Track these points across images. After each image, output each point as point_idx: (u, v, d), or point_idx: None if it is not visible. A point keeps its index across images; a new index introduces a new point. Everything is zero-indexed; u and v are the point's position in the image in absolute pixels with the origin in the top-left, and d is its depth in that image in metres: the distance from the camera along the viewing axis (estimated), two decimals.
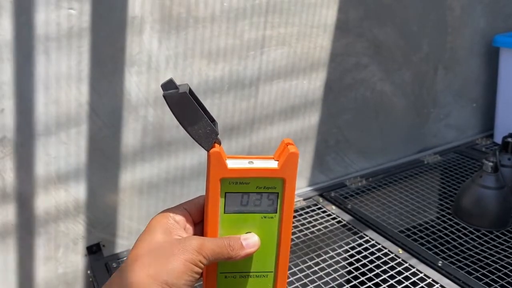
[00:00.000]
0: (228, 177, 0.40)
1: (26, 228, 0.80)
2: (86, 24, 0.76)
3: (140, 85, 0.84)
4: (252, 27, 0.92)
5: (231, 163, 0.40)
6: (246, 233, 0.42)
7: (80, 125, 0.80)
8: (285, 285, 0.44)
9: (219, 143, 0.40)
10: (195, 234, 0.43)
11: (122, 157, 0.86)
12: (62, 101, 0.78)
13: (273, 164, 0.41)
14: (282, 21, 0.95)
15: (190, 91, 0.40)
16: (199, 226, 0.43)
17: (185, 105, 0.38)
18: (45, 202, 0.81)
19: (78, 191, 0.83)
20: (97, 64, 0.79)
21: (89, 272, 0.87)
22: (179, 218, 0.42)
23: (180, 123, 0.39)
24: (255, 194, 0.41)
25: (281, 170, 0.41)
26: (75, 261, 0.87)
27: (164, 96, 0.38)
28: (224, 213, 0.42)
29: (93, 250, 0.87)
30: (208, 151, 0.40)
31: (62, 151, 0.80)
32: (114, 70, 0.81)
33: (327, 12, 1.01)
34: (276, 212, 0.42)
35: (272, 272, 0.44)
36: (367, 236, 0.91)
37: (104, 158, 0.84)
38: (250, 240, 0.41)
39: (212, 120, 0.41)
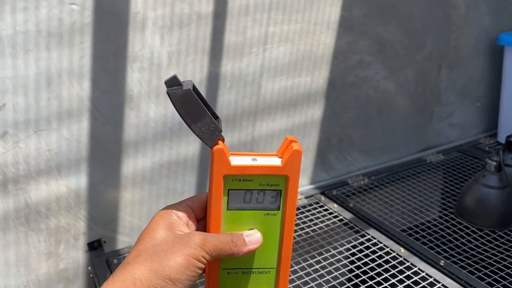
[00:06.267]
0: (232, 174, 0.40)
1: (27, 224, 0.80)
2: (88, 20, 0.76)
3: (142, 81, 0.83)
4: (255, 23, 0.92)
5: (235, 160, 0.40)
6: (249, 229, 0.42)
7: (81, 121, 0.80)
8: (287, 281, 0.44)
9: (223, 140, 0.40)
10: (197, 230, 0.43)
11: (123, 153, 0.86)
12: (64, 97, 0.77)
13: (276, 161, 0.41)
14: (285, 18, 0.95)
15: (194, 88, 0.39)
16: (202, 222, 0.44)
17: (188, 102, 0.38)
18: (46, 197, 0.81)
19: (79, 187, 0.83)
20: (99, 60, 0.79)
21: (90, 268, 0.87)
22: (182, 214, 0.42)
23: (184, 120, 0.39)
24: (258, 191, 0.41)
25: (285, 167, 0.41)
26: (76, 257, 0.87)
27: (168, 93, 0.38)
28: (227, 209, 0.42)
29: (94, 246, 0.87)
30: (211, 148, 0.40)
31: (63, 147, 0.80)
32: (116, 66, 0.81)
33: (330, 9, 1.00)
34: (279, 209, 0.42)
35: (274, 268, 0.44)
36: (368, 234, 0.90)
37: (105, 154, 0.84)
38: (252, 237, 0.41)
39: (216, 117, 0.41)
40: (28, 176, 0.78)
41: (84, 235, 0.86)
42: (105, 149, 0.84)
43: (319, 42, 1.01)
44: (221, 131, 0.40)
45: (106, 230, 0.89)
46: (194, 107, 0.38)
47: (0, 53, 0.71)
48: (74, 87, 0.78)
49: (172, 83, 0.38)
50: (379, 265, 0.81)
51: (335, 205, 1.01)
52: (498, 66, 1.34)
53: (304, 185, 1.11)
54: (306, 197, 1.05)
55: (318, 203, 1.03)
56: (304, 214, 0.97)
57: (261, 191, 0.41)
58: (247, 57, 0.93)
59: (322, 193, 1.07)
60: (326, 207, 1.01)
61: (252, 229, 0.42)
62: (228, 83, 0.93)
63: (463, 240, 0.88)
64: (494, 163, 0.92)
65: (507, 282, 0.77)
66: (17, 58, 0.72)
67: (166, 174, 0.91)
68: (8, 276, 0.81)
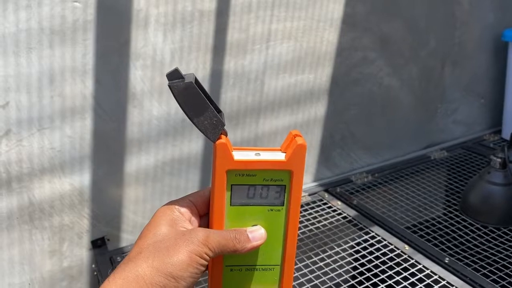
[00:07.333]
0: (235, 169, 0.39)
1: (31, 222, 0.80)
2: (91, 17, 0.76)
3: (145, 79, 0.83)
4: (258, 20, 0.91)
5: (238, 155, 0.39)
6: (253, 225, 0.41)
7: (84, 119, 0.80)
8: (292, 278, 0.43)
9: (226, 134, 0.39)
10: (200, 226, 0.42)
11: (127, 151, 0.86)
12: (67, 95, 0.77)
13: (280, 156, 0.40)
14: (288, 14, 0.94)
15: (196, 81, 0.39)
16: (205, 218, 0.43)
17: (190, 95, 0.37)
18: (50, 195, 0.81)
19: (82, 185, 0.83)
20: (102, 57, 0.79)
21: (93, 266, 0.87)
22: (184, 210, 0.41)
23: (186, 113, 0.38)
24: (262, 186, 0.41)
25: (289, 162, 0.40)
26: (80, 255, 0.87)
27: (169, 86, 0.37)
28: (230, 205, 0.41)
29: (98, 244, 0.87)
30: (214, 142, 0.39)
31: (66, 145, 0.80)
32: (119, 64, 0.81)
33: (334, 6, 1.00)
34: (283, 205, 0.41)
35: (278, 265, 0.43)
36: (373, 232, 0.90)
37: (108, 151, 0.84)
38: (256, 233, 0.41)
39: (218, 111, 0.40)
40: (32, 174, 0.78)
41: (87, 233, 0.86)
42: (108, 147, 0.84)
43: (322, 39, 1.01)
44: (224, 125, 0.39)
45: (110, 228, 0.89)
46: (196, 100, 0.38)
47: (3, 51, 0.71)
48: (77, 84, 0.78)
49: (174, 76, 0.37)
50: (383, 263, 0.81)
51: (339, 203, 1.01)
52: (502, 62, 1.33)
53: (307, 182, 1.11)
54: (309, 194, 1.04)
55: (321, 200, 1.02)
56: (307, 212, 0.97)
57: (265, 187, 0.41)
58: (250, 54, 0.93)
59: (326, 191, 1.06)
60: (329, 205, 1.00)
61: (256, 225, 0.41)
62: (231, 80, 0.92)
63: (468, 238, 0.88)
64: (499, 160, 0.91)
65: None
66: (20, 56, 0.72)
67: (169, 171, 0.91)
68: (13, 274, 0.81)
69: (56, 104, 0.77)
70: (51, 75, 0.75)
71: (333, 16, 1.01)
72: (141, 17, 0.80)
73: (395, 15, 1.11)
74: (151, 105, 0.85)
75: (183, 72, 0.38)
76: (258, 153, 0.40)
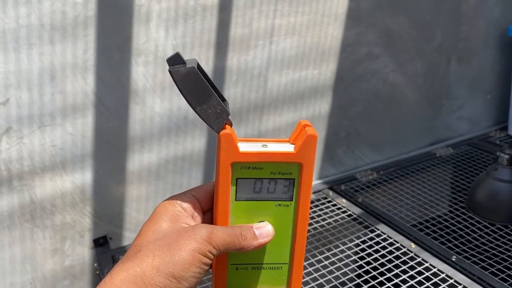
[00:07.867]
0: (240, 161, 0.37)
1: (32, 220, 0.79)
2: (92, 13, 0.75)
3: (147, 75, 0.82)
4: (261, 15, 0.90)
5: (243, 146, 0.37)
6: (259, 222, 0.39)
7: (86, 116, 0.79)
8: (301, 278, 0.41)
9: (230, 125, 0.37)
10: (203, 222, 0.40)
11: (129, 148, 0.85)
12: (68, 91, 0.76)
13: (289, 147, 0.38)
14: (292, 9, 0.93)
15: (199, 66, 0.36)
16: (208, 214, 0.41)
17: (193, 81, 0.35)
18: (51, 194, 0.80)
19: (84, 183, 0.82)
20: (104, 54, 0.77)
21: (96, 265, 0.86)
22: (187, 205, 0.39)
23: (188, 101, 0.36)
24: (269, 180, 0.38)
25: (298, 154, 0.37)
26: (82, 253, 0.86)
27: (170, 72, 0.35)
28: (236, 200, 0.39)
29: (100, 243, 0.86)
30: (218, 132, 0.37)
31: (68, 142, 0.79)
32: (120, 60, 0.80)
33: (338, 1, 0.99)
34: (291, 200, 0.39)
35: (286, 264, 0.41)
36: (378, 230, 0.89)
37: (110, 149, 0.83)
38: (263, 230, 0.39)
39: (223, 99, 0.38)
40: (33, 172, 0.77)
41: (89, 231, 0.85)
42: (111, 144, 0.83)
43: (327, 34, 1.00)
44: (229, 114, 0.37)
45: (112, 226, 0.88)
46: (199, 87, 0.35)
47: (3, 47, 0.70)
48: (78, 81, 0.77)
49: (175, 61, 0.35)
50: (390, 261, 0.80)
51: (344, 200, 1.00)
52: (508, 57, 1.31)
53: None
54: (314, 192, 1.03)
55: (326, 198, 1.01)
56: (312, 210, 0.96)
57: (273, 180, 0.38)
58: (253, 50, 0.91)
59: (330, 188, 1.05)
60: (334, 202, 0.99)
61: (263, 221, 0.39)
62: (234, 76, 0.91)
63: (475, 235, 0.87)
64: (506, 156, 0.90)
65: None
66: (20, 52, 0.71)
67: (172, 169, 0.90)
68: (14, 273, 0.81)
69: (57, 101, 0.76)
70: (52, 71, 0.74)
71: (338, 11, 0.99)
72: (143, 12, 0.79)
73: (400, 10, 1.10)
74: (153, 102, 0.84)
75: None
76: (265, 145, 0.38)
